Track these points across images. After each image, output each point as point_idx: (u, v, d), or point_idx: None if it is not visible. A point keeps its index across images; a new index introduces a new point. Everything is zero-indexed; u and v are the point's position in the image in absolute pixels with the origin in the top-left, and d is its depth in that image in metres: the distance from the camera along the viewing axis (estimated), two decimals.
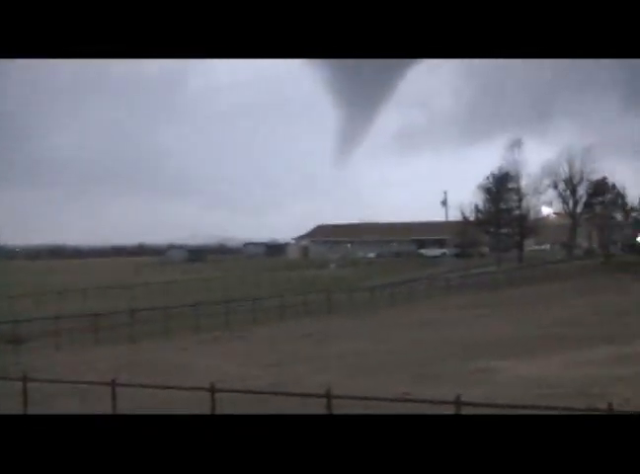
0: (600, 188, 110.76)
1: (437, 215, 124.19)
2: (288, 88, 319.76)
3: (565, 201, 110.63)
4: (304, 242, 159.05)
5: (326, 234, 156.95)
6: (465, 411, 11.55)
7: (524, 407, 11.82)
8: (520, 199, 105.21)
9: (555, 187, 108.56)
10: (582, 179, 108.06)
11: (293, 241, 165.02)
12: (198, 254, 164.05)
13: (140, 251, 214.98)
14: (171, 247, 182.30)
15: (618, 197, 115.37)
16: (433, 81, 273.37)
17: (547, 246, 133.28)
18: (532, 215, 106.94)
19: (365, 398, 13.74)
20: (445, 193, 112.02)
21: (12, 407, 16.17)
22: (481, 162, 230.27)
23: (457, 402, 11.80)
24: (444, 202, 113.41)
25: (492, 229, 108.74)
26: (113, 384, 16.01)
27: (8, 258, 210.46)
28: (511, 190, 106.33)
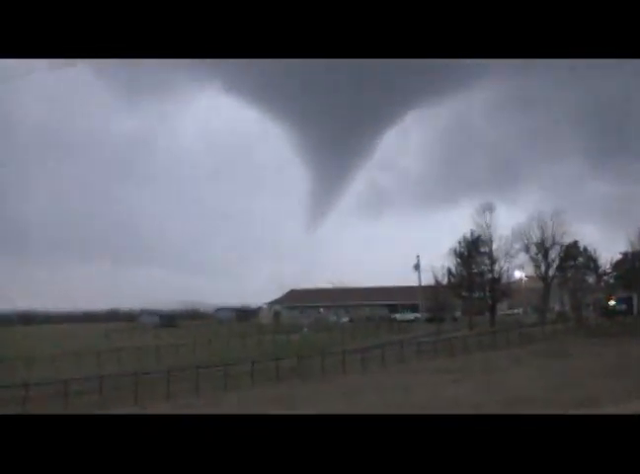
0: (572, 251, 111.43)
1: (409, 279, 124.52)
2: (258, 151, 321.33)
3: (537, 265, 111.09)
4: (276, 307, 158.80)
5: (298, 298, 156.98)
6: None
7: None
8: (493, 263, 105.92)
9: (527, 250, 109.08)
10: (553, 242, 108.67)
11: (265, 306, 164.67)
12: (169, 319, 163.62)
13: (112, 316, 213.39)
14: (143, 312, 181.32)
15: (590, 261, 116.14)
16: (402, 144, 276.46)
17: (520, 310, 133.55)
18: (505, 279, 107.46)
19: None
20: (418, 257, 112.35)
21: None
22: (451, 225, 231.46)
23: None
24: (417, 266, 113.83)
25: (464, 293, 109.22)
26: None
27: None
28: (482, 253, 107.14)
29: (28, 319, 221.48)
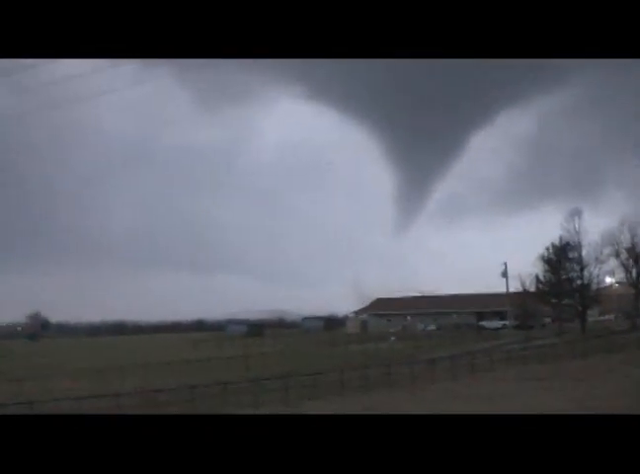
0: None
1: (496, 286, 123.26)
2: (341, 158, 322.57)
3: (628, 271, 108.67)
4: (363, 315, 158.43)
5: (384, 307, 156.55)
6: None
7: None
8: (582, 269, 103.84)
9: (617, 256, 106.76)
10: None
11: (352, 314, 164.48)
12: (256, 328, 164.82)
13: (199, 326, 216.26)
14: (230, 322, 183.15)
15: None
16: (484, 150, 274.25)
17: (611, 316, 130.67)
18: (594, 285, 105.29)
19: None
20: (505, 264, 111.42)
21: None
22: (537, 231, 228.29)
23: None
24: (504, 274, 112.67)
25: (553, 300, 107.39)
26: None
27: (70, 335, 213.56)
28: (571, 259, 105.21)
29: (118, 330, 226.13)
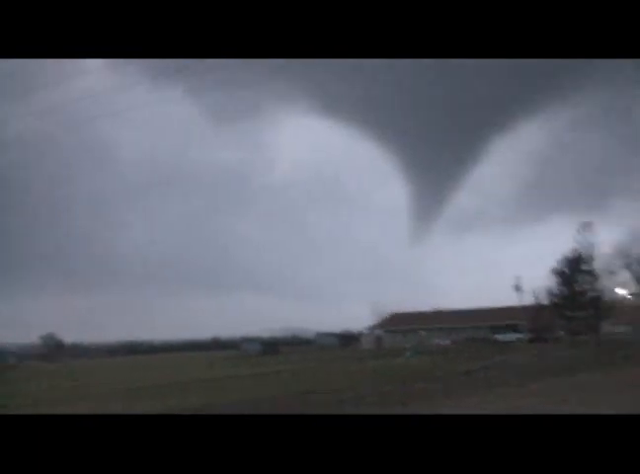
0: None
1: (510, 300, 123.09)
2: (354, 172, 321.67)
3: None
4: (378, 331, 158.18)
5: (400, 322, 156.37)
6: None
7: None
8: (594, 281, 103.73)
9: (629, 267, 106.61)
10: None
11: (367, 330, 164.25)
12: (271, 346, 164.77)
13: (214, 345, 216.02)
14: (245, 340, 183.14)
15: None
16: (495, 164, 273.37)
17: (626, 328, 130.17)
18: (607, 297, 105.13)
19: None
20: (518, 277, 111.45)
21: None
22: (549, 244, 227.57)
23: None
24: (517, 287, 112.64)
25: (567, 313, 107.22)
26: None
27: (84, 356, 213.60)
28: (584, 272, 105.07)
29: (132, 349, 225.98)
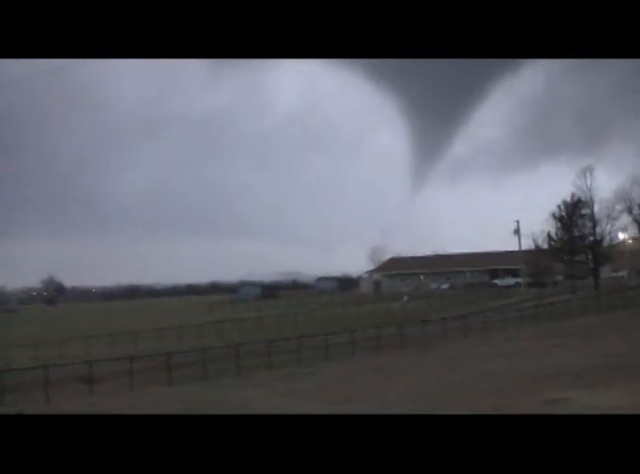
0: None
1: (509, 245, 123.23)
2: (355, 118, 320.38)
3: None
4: (376, 275, 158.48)
5: (398, 266, 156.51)
6: None
7: None
8: (594, 226, 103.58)
9: (630, 212, 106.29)
10: None
11: (366, 274, 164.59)
12: (270, 290, 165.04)
13: (214, 288, 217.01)
14: (243, 284, 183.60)
15: None
16: (492, 112, 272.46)
17: (624, 273, 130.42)
18: (607, 242, 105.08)
19: None
20: (517, 222, 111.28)
21: None
22: (549, 189, 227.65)
23: None
24: (517, 231, 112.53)
25: (566, 257, 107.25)
26: None
27: (84, 300, 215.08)
28: (584, 216, 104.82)
29: (133, 294, 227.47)
